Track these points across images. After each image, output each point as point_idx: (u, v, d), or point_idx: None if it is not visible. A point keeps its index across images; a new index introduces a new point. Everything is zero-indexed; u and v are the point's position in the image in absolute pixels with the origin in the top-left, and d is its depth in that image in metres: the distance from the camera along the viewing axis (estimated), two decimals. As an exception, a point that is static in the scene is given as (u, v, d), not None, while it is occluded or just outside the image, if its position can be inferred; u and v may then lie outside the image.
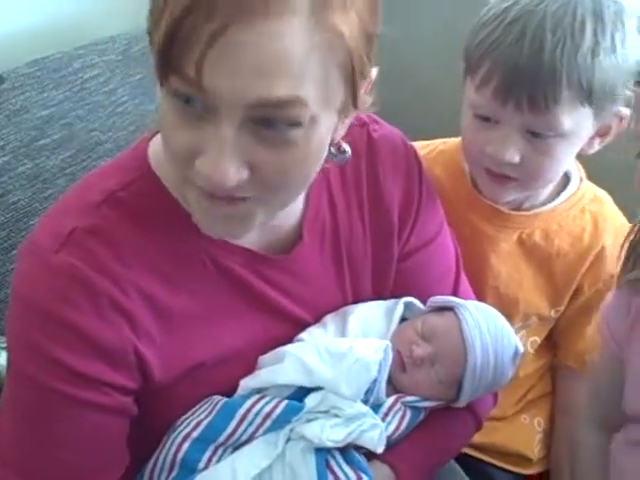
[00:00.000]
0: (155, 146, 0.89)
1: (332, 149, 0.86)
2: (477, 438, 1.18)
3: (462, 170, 1.24)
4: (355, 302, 1.03)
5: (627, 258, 0.98)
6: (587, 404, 1.16)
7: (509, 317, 1.23)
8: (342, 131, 0.85)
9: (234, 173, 0.73)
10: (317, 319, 1.00)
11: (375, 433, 0.92)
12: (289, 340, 0.97)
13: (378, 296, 1.04)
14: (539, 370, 1.35)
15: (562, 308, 1.29)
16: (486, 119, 1.09)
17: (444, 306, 1.03)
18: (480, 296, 1.21)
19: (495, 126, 1.08)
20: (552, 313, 1.28)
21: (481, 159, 1.12)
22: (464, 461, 1.21)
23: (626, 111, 1.09)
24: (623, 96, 1.07)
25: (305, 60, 0.70)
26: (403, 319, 1.04)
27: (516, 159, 1.08)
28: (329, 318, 1.00)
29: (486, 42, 1.05)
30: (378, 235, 1.01)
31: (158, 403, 0.90)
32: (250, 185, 0.75)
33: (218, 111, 0.71)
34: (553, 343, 1.35)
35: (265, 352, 0.95)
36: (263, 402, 0.91)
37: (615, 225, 1.25)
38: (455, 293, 1.07)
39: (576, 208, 1.24)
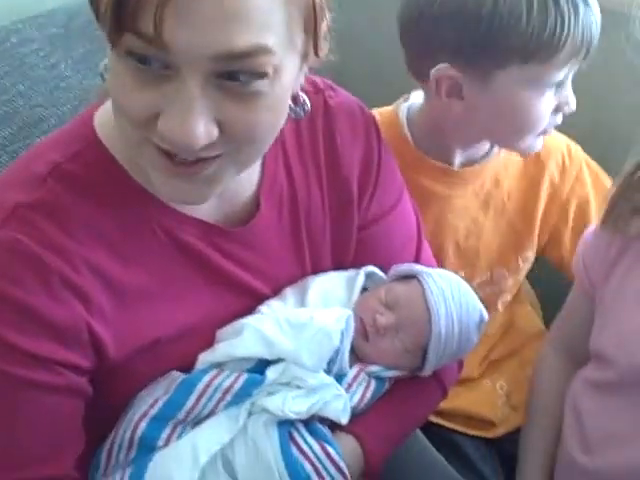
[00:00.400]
0: (102, 116, 0.85)
1: (291, 103, 0.83)
2: (440, 404, 1.17)
3: (404, 136, 1.23)
4: (315, 273, 1.00)
5: (613, 201, 0.97)
6: (555, 333, 1.16)
7: (473, 270, 1.25)
8: (302, 80, 0.83)
9: (203, 132, 0.70)
10: (276, 292, 0.98)
11: (339, 404, 0.89)
12: (248, 314, 0.94)
13: (338, 267, 1.02)
14: (504, 325, 1.35)
15: (530, 255, 1.29)
16: None
17: (407, 274, 1.01)
18: (440, 255, 1.21)
19: None
20: (520, 262, 1.28)
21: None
22: (426, 428, 1.20)
23: None
24: None
25: (267, 7, 0.67)
26: (365, 289, 1.02)
27: None
28: (288, 290, 0.97)
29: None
30: (337, 204, 0.99)
31: (115, 381, 0.86)
32: (218, 143, 0.72)
33: (180, 68, 0.68)
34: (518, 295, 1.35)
35: (225, 325, 0.92)
36: (222, 376, 0.88)
37: (557, 146, 1.27)
38: (417, 261, 1.05)
39: None
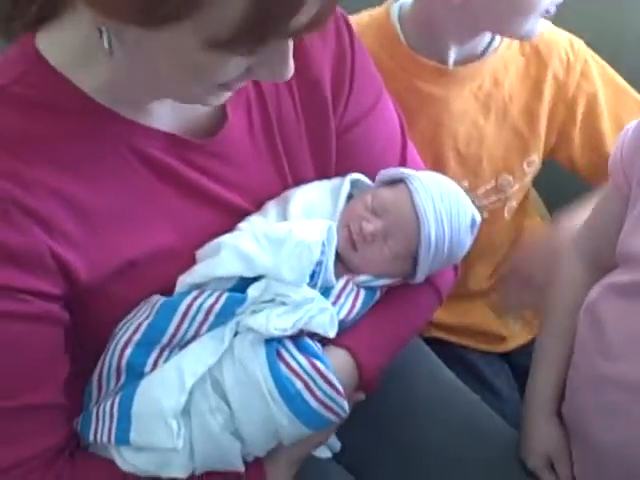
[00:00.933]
0: (45, 39, 0.80)
1: None
2: (448, 319, 1.14)
3: (396, 36, 1.16)
4: (297, 184, 0.96)
5: None
6: (580, 234, 1.08)
7: (477, 179, 1.20)
8: None
9: None
10: (258, 207, 0.94)
11: (325, 317, 0.87)
12: (231, 229, 0.91)
13: (321, 176, 0.98)
14: (512, 234, 1.30)
15: (536, 159, 1.23)
16: None
17: (394, 179, 0.96)
18: (441, 163, 1.17)
19: None
20: (525, 166, 1.23)
21: None
22: (436, 345, 1.17)
23: None
24: None
25: None
26: (352, 197, 0.98)
27: None
28: (270, 204, 0.94)
29: None
30: (311, 109, 0.94)
31: (93, 308, 0.84)
32: None
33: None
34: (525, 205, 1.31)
35: (205, 243, 0.89)
36: (204, 296, 0.85)
37: (559, 41, 1.20)
38: (403, 163, 1.01)
39: (516, 43, 1.18)
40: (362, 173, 0.98)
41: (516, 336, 1.28)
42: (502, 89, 1.18)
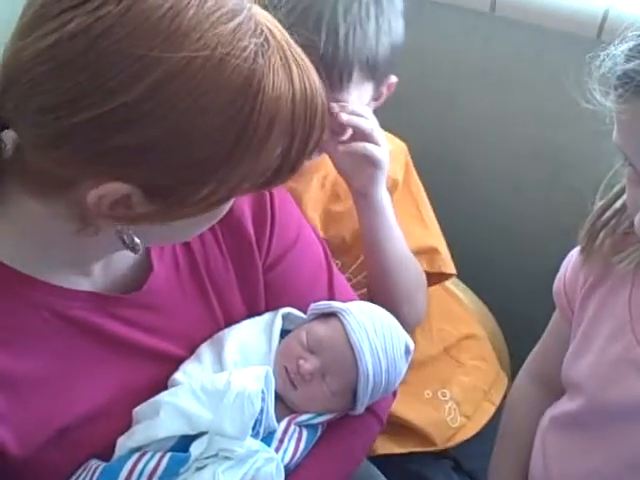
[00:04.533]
0: None
1: None
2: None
3: None
4: (229, 324, 0.95)
5: (592, 235, 0.95)
6: (532, 360, 1.13)
7: (345, 256, 1.23)
8: None
9: None
10: (192, 351, 0.93)
11: (271, 467, 0.85)
12: (166, 379, 0.90)
13: (252, 312, 0.97)
14: None
15: None
16: None
17: (326, 312, 0.96)
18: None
19: None
20: None
21: None
22: (375, 459, 1.16)
23: (394, 79, 1.17)
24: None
25: None
26: (287, 332, 0.98)
27: None
28: (204, 348, 0.93)
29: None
30: (236, 248, 0.95)
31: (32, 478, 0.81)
32: None
33: None
34: None
35: (142, 398, 0.87)
36: (145, 460, 0.83)
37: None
38: (331, 290, 1.02)
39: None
40: (293, 306, 0.98)
41: (461, 431, 1.28)
42: None
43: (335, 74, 1.05)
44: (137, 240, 0.78)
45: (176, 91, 0.66)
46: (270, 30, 0.71)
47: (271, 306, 0.98)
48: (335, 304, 0.96)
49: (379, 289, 1.19)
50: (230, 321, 0.96)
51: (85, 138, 0.66)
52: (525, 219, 1.63)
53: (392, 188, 1.23)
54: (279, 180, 0.78)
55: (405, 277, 1.19)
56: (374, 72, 1.10)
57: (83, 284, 0.84)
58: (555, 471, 0.94)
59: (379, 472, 1.14)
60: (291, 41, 0.74)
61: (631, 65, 0.75)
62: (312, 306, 0.97)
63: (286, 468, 0.89)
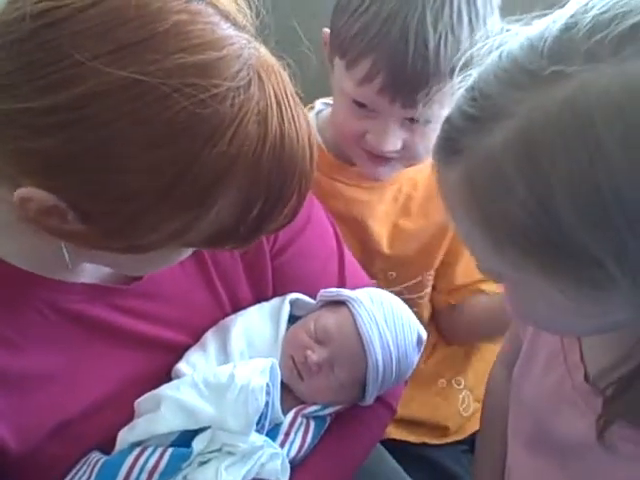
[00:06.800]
0: None
1: None
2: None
3: (319, 147, 1.11)
4: (235, 310, 0.92)
5: None
6: (504, 349, 1.07)
7: (405, 278, 1.19)
8: None
9: None
10: (198, 338, 0.90)
11: (276, 463, 0.83)
12: (171, 369, 0.87)
13: (259, 299, 0.94)
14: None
15: None
16: (363, 105, 1.02)
17: (336, 300, 0.93)
18: (368, 262, 1.14)
19: (374, 114, 1.02)
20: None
21: (360, 142, 1.06)
22: (389, 444, 1.14)
23: None
24: None
25: None
26: (296, 318, 0.94)
27: (397, 146, 1.04)
28: (209, 336, 0.90)
29: (365, 36, 0.96)
30: None
31: (27, 474, 0.79)
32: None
33: None
34: None
35: (147, 389, 0.85)
36: (146, 455, 0.80)
37: None
38: (342, 277, 0.98)
39: None
40: (301, 292, 0.95)
41: (473, 419, 1.25)
42: (419, 190, 1.17)
43: (421, 88, 0.96)
44: (67, 255, 0.74)
45: (107, 111, 0.59)
46: (261, 77, 0.63)
47: (279, 293, 0.95)
48: (344, 292, 0.92)
49: None
50: (236, 307, 0.93)
51: (11, 129, 0.61)
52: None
53: None
54: (229, 245, 0.71)
55: None
56: None
57: (81, 276, 0.81)
58: None
59: (390, 457, 1.11)
60: (290, 100, 0.66)
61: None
62: (321, 292, 0.94)
63: (293, 462, 0.86)
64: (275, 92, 0.65)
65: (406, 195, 1.17)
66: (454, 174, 0.59)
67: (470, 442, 1.24)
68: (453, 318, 1.25)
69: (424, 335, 0.94)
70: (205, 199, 0.64)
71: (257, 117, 0.63)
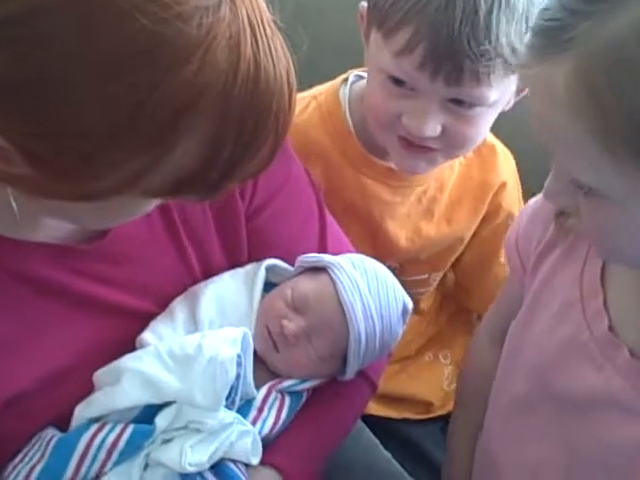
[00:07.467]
0: None
1: None
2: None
3: (347, 128, 1.05)
4: (207, 277, 0.85)
5: None
6: (489, 318, 1.02)
7: (412, 270, 1.13)
8: None
9: None
10: (164, 306, 0.83)
11: (246, 442, 0.76)
12: (133, 339, 0.80)
13: (233, 264, 0.87)
14: (439, 298, 1.24)
15: None
16: (401, 82, 0.91)
17: (316, 266, 0.86)
18: (379, 258, 1.07)
19: (412, 93, 0.91)
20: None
21: (395, 127, 0.95)
22: (370, 420, 1.08)
23: None
24: None
25: None
26: (272, 286, 0.87)
27: (437, 131, 0.92)
28: (177, 303, 0.83)
29: (407, 3, 0.85)
30: None
31: None
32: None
33: None
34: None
35: (108, 360, 0.78)
36: (105, 432, 0.74)
37: (507, 157, 1.13)
38: (323, 241, 0.91)
39: None
40: (279, 258, 0.88)
41: (450, 400, 1.19)
42: (445, 194, 1.09)
43: (469, 63, 0.85)
44: (14, 205, 0.66)
45: (56, 27, 0.52)
46: (235, 2, 0.56)
47: (255, 258, 0.88)
48: (326, 257, 0.85)
49: None
50: (208, 274, 0.86)
51: None
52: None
53: (507, 221, 1.11)
54: (195, 194, 0.63)
55: None
56: None
57: (37, 235, 0.74)
58: (502, 457, 0.83)
59: (377, 441, 1.05)
60: (266, 27, 0.58)
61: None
62: (300, 258, 0.87)
63: (265, 439, 0.80)
64: (249, 17, 0.57)
65: (431, 197, 1.09)
66: (561, 71, 0.53)
67: (446, 419, 1.19)
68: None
69: (410, 305, 0.87)
70: (167, 136, 0.56)
71: (228, 42, 0.55)
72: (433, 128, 0.91)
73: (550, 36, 0.54)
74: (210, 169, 0.60)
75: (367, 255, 0.91)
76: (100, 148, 0.56)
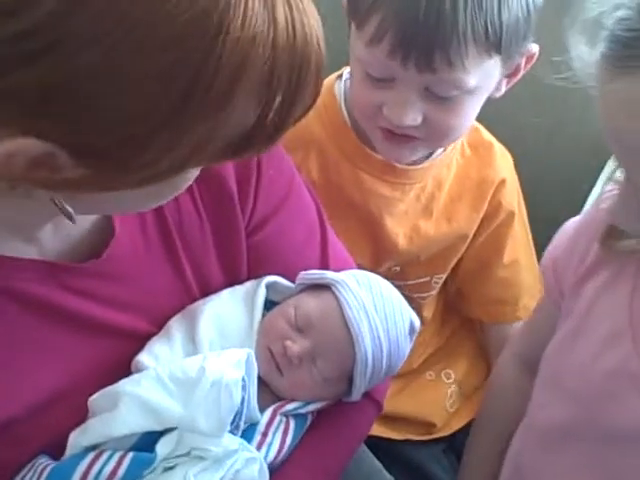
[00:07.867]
0: None
1: None
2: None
3: (344, 123, 1.04)
4: (205, 295, 0.82)
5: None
6: (518, 341, 1.00)
7: (410, 275, 1.11)
8: None
9: None
10: (161, 325, 0.79)
11: (253, 469, 0.73)
12: (129, 361, 0.77)
13: (232, 282, 0.84)
14: (440, 309, 1.21)
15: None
16: (379, 79, 0.91)
17: (318, 283, 0.83)
18: (378, 258, 1.06)
19: (390, 85, 0.91)
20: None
21: (376, 119, 0.95)
22: (369, 442, 1.04)
23: (535, 47, 0.96)
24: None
25: None
26: (272, 304, 0.84)
27: (418, 121, 0.92)
28: (174, 323, 0.79)
29: None
30: (216, 208, 0.81)
31: None
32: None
33: None
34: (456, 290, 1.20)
35: (103, 383, 0.74)
36: (102, 461, 0.70)
37: (505, 155, 1.12)
38: (324, 258, 0.88)
39: (458, 144, 1.08)
40: (279, 274, 0.85)
41: (456, 416, 1.17)
42: (444, 192, 1.08)
43: (437, 48, 0.84)
44: (69, 209, 0.64)
45: (96, 18, 0.49)
46: None
47: (254, 274, 0.84)
48: (329, 274, 0.82)
49: None
50: (206, 292, 0.82)
51: None
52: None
53: (508, 220, 1.11)
54: (253, 149, 0.61)
55: None
56: (498, 45, 0.87)
57: (29, 251, 0.70)
58: None
59: (381, 465, 1.02)
60: None
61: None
62: (301, 274, 0.83)
63: (271, 466, 0.76)
64: None
65: (429, 195, 1.07)
66: None
67: (450, 440, 1.16)
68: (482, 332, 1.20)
69: (417, 323, 0.84)
70: (228, 97, 0.54)
71: None
72: (413, 117, 0.92)
73: (632, 47, 0.51)
74: (265, 119, 0.58)
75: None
76: (160, 128, 0.54)
